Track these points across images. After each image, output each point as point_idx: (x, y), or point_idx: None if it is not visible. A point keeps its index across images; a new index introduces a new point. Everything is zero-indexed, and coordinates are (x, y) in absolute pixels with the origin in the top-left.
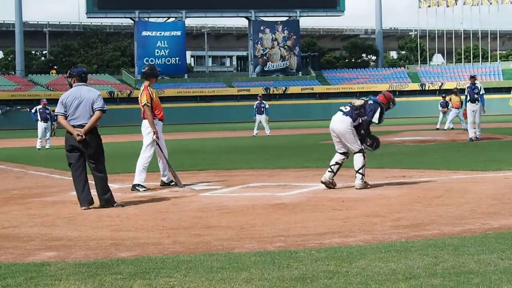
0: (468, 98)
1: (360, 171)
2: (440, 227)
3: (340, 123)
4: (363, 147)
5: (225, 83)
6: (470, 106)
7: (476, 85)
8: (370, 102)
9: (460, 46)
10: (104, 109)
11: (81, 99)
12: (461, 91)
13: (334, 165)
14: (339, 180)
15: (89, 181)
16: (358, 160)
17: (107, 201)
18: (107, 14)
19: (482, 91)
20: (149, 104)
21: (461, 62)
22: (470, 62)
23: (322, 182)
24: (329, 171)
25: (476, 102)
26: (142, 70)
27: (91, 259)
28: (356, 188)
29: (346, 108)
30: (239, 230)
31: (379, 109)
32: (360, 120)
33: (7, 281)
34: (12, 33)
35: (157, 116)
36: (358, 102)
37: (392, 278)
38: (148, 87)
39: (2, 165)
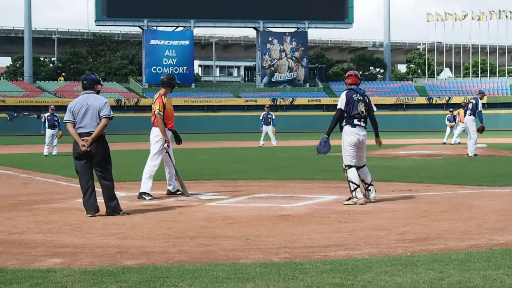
0: (470, 112)
1: (372, 183)
2: (446, 242)
3: (366, 136)
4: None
5: (232, 93)
6: (473, 122)
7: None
8: (366, 99)
9: (468, 61)
10: (110, 116)
11: (88, 107)
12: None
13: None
14: (346, 192)
15: (96, 189)
16: (368, 172)
17: (113, 208)
18: (115, 22)
19: (480, 108)
20: (161, 113)
21: (469, 76)
22: (478, 76)
23: (367, 200)
24: (365, 188)
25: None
26: (161, 78)
27: (97, 267)
28: (372, 201)
29: (363, 122)
30: (245, 240)
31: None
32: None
33: (13, 287)
34: (21, 40)
35: (167, 126)
36: (363, 109)
37: None
38: (163, 96)
39: (9, 171)
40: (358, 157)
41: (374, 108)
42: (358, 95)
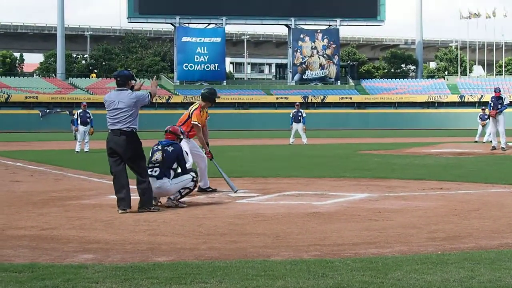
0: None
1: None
2: (477, 240)
3: (157, 189)
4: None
5: (264, 91)
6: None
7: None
8: (168, 149)
9: (501, 58)
10: (147, 100)
11: (119, 104)
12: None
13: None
14: (376, 190)
15: (130, 186)
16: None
17: (145, 205)
18: (148, 19)
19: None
20: (199, 125)
21: (502, 74)
22: (511, 74)
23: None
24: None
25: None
26: (202, 91)
27: (128, 263)
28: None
29: (155, 171)
30: (275, 238)
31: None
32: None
33: (45, 282)
34: (54, 36)
35: (189, 135)
36: (158, 156)
37: None
38: (202, 108)
39: (41, 167)
40: None
41: (187, 160)
42: (159, 146)
